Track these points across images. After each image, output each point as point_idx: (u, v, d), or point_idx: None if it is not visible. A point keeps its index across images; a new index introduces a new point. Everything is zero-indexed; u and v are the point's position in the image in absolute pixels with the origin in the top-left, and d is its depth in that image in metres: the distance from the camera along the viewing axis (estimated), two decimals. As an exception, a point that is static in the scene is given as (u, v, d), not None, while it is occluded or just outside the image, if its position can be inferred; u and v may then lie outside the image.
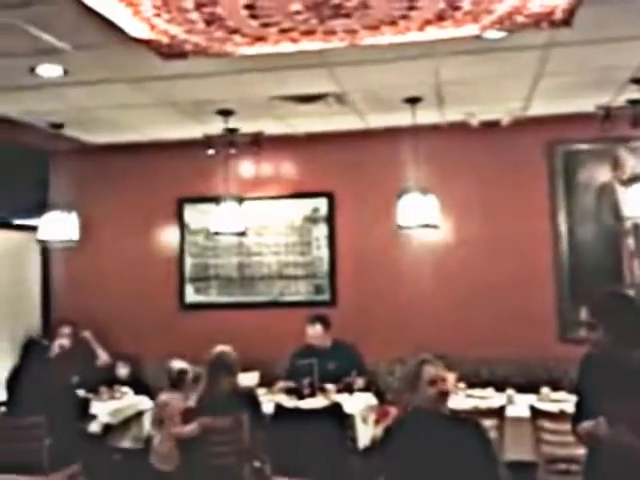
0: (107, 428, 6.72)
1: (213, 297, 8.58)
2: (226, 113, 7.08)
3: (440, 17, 4.50)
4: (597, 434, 3.59)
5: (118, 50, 5.11)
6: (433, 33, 4.79)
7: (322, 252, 8.37)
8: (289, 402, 6.45)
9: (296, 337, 7.25)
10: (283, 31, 4.66)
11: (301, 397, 6.58)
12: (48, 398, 6.14)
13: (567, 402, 5.55)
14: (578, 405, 4.01)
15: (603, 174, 7.72)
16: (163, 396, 6.17)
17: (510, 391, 6.45)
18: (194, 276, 8.63)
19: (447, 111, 7.29)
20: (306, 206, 8.42)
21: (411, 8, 4.34)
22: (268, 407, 6.13)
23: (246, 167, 8.48)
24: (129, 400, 7.20)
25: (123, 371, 7.71)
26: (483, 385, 6.81)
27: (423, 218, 6.93)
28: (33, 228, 8.12)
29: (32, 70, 5.56)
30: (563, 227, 7.78)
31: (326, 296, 8.31)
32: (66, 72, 5.63)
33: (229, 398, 5.81)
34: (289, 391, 6.77)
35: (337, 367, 6.94)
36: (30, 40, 4.84)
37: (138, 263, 8.71)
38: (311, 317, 7.32)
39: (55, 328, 8.05)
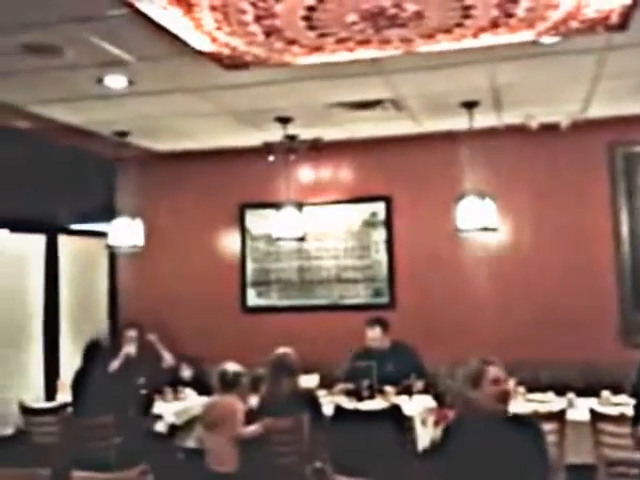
0: (172, 428, 6.85)
1: (274, 300, 8.70)
2: (285, 120, 7.17)
3: (494, 24, 4.51)
4: None
5: (181, 61, 5.25)
6: (488, 39, 4.81)
7: (380, 256, 8.42)
8: (348, 404, 6.49)
9: (355, 339, 7.29)
10: (340, 41, 4.73)
11: (360, 399, 6.63)
12: (115, 399, 6.33)
13: (627, 405, 5.47)
14: (637, 408, 4.02)
15: None
16: (216, 398, 6.18)
17: (570, 395, 6.39)
18: (256, 280, 8.76)
19: (505, 114, 7.26)
20: (364, 210, 8.49)
21: (465, 16, 4.37)
22: (328, 408, 6.20)
23: (305, 173, 8.58)
24: (193, 401, 7.31)
25: (187, 373, 7.84)
26: (543, 389, 6.73)
27: (482, 221, 6.93)
28: (101, 234, 8.35)
29: (99, 81, 5.72)
30: (625, 229, 7.69)
31: (385, 299, 8.36)
32: (131, 83, 5.79)
33: (290, 399, 5.91)
34: (348, 393, 6.82)
35: (396, 369, 6.96)
36: (97, 52, 4.99)
37: (201, 268, 8.87)
38: (370, 320, 7.36)
39: (122, 331, 8.22)
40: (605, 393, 6.35)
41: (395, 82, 6.06)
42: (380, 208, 8.44)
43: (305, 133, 7.67)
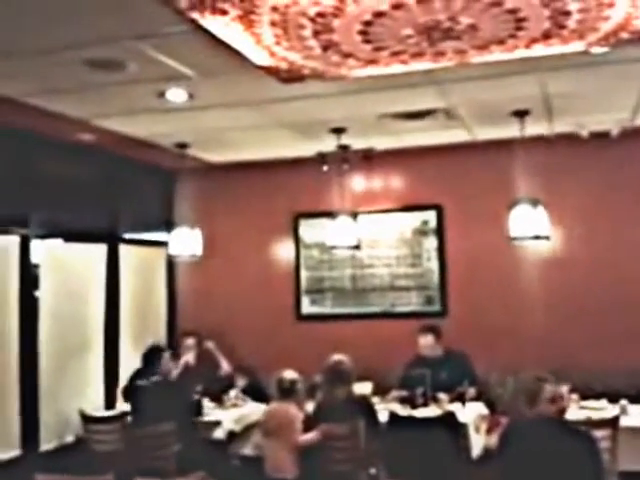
0: (230, 435, 6.94)
1: (328, 308, 8.79)
2: (339, 131, 7.26)
3: (546, 35, 4.55)
4: None
5: (239, 75, 5.35)
6: (540, 50, 4.84)
7: (432, 264, 8.46)
8: (403, 411, 6.53)
9: (408, 347, 7.33)
10: (394, 54, 4.80)
11: (414, 406, 6.66)
12: (174, 406, 6.43)
13: None
14: None
15: None
16: (274, 406, 6.28)
17: (623, 401, 6.36)
18: (310, 288, 8.86)
19: (555, 123, 7.26)
20: (416, 219, 8.54)
21: (518, 28, 4.41)
22: (382, 415, 6.24)
23: (358, 182, 8.65)
24: (250, 408, 7.38)
25: (242, 380, 7.90)
26: (597, 397, 6.70)
27: (534, 229, 6.91)
28: (160, 243, 8.52)
29: (161, 95, 5.86)
30: None
31: (437, 307, 8.40)
32: (191, 96, 5.92)
33: (345, 406, 5.97)
34: (402, 400, 6.85)
35: (449, 377, 6.98)
36: (159, 67, 5.12)
37: (257, 276, 8.98)
38: (422, 327, 7.40)
39: (180, 339, 8.38)
40: (656, 399, 6.31)
41: (447, 92, 6.10)
42: (431, 216, 8.48)
43: (358, 143, 7.76)
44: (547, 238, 7.08)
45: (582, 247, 7.90)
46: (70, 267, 7.71)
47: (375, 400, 6.71)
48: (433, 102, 6.42)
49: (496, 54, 4.92)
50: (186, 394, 6.98)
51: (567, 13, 4.19)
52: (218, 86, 5.71)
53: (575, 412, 6.24)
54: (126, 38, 4.58)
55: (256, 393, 7.73)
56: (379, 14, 4.11)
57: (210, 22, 4.19)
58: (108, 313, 8.13)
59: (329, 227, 7.83)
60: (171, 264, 9.18)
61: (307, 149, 8.01)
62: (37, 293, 7.12)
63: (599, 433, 5.47)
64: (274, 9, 4.00)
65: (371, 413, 6.05)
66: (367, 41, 4.56)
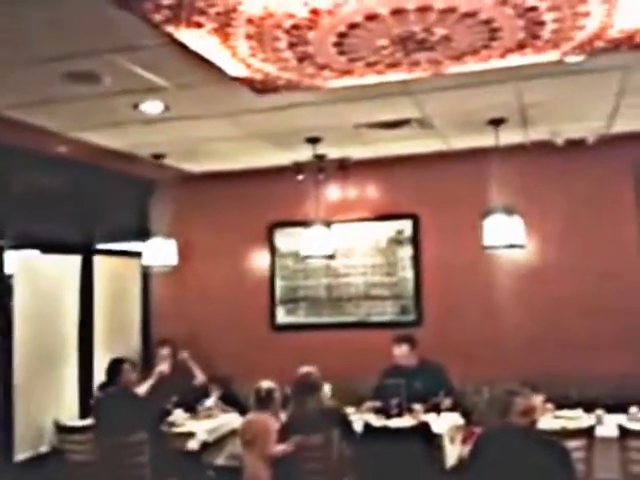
0: (204, 446, 6.88)
1: (302, 318, 8.76)
2: (314, 141, 7.26)
3: (521, 45, 4.58)
4: None
5: (215, 87, 5.36)
6: (514, 60, 4.88)
7: (407, 273, 8.45)
8: (377, 421, 6.51)
9: (383, 357, 7.31)
10: (369, 64, 4.82)
11: (389, 417, 6.64)
12: (147, 416, 6.42)
13: None
14: None
15: None
16: (250, 416, 6.29)
17: (599, 411, 6.37)
18: (284, 298, 8.83)
19: (531, 131, 7.29)
20: (391, 228, 8.53)
21: (493, 39, 4.44)
22: (357, 426, 6.23)
23: (333, 191, 8.64)
24: (223, 419, 7.35)
25: (217, 391, 7.84)
26: (572, 406, 6.69)
27: (508, 238, 6.93)
28: (134, 254, 8.49)
29: (137, 106, 5.86)
30: None
31: (412, 316, 8.38)
32: (167, 108, 5.92)
33: (318, 417, 5.96)
34: (377, 411, 6.83)
35: (424, 387, 6.95)
36: (135, 79, 5.12)
37: (232, 286, 8.96)
38: (397, 337, 7.39)
39: (155, 349, 8.36)
40: (633, 409, 6.31)
41: (422, 102, 6.12)
42: (407, 225, 8.47)
43: (333, 152, 7.77)
44: (522, 247, 7.10)
45: (559, 255, 7.92)
46: (44, 278, 7.68)
47: (350, 410, 6.69)
48: (408, 112, 6.43)
49: (471, 64, 4.95)
50: (150, 404, 6.95)
51: (541, 23, 4.22)
52: (194, 97, 5.71)
53: (550, 421, 6.26)
54: (103, 51, 4.58)
55: (231, 403, 7.70)
56: (353, 25, 4.12)
57: (185, 35, 4.19)
58: (82, 323, 8.11)
59: (303, 236, 7.83)
60: (146, 274, 9.15)
61: (283, 159, 8.02)
62: (11, 304, 7.09)
63: (574, 443, 5.48)
64: (249, 22, 4.01)
65: (345, 423, 6.05)
66: (342, 52, 4.58)
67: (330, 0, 3.73)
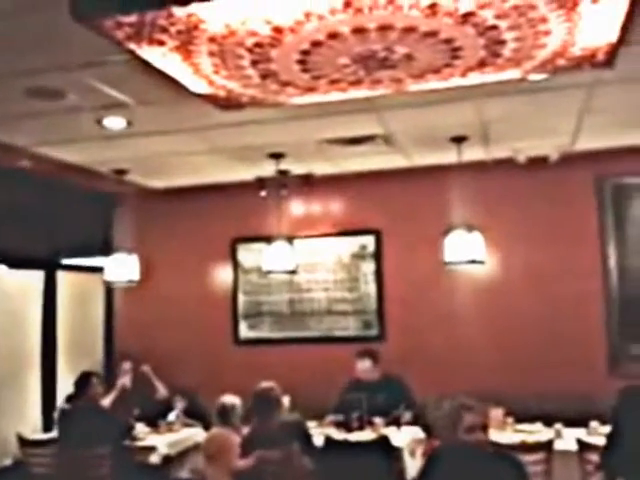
0: (166, 459, 6.89)
1: (265, 333, 8.76)
2: (278, 156, 7.29)
3: (482, 64, 4.60)
4: None
5: (178, 103, 5.39)
6: (476, 78, 4.91)
7: (370, 288, 8.50)
8: (338, 435, 6.54)
9: (345, 371, 7.33)
10: (332, 82, 4.82)
11: (350, 430, 6.67)
12: (109, 430, 6.40)
13: None
14: (611, 437, 4.10)
15: None
16: (215, 430, 6.32)
17: (558, 425, 6.42)
18: (247, 313, 8.83)
19: (493, 148, 7.35)
20: (354, 243, 8.57)
21: (454, 57, 4.47)
22: (318, 440, 6.25)
23: (296, 207, 8.67)
24: (186, 432, 7.37)
25: (180, 404, 7.83)
26: (532, 420, 6.74)
27: (469, 254, 7.01)
28: (97, 269, 8.46)
29: (99, 122, 5.88)
30: (612, 261, 7.73)
31: (374, 331, 8.42)
32: (129, 124, 5.94)
33: (279, 431, 5.97)
34: (338, 424, 6.86)
35: (385, 401, 6.99)
36: (98, 96, 5.15)
37: (195, 301, 8.94)
38: (360, 352, 7.40)
39: (117, 363, 8.33)
40: (593, 423, 6.36)
41: (386, 118, 6.18)
42: (370, 241, 8.52)
43: (297, 168, 7.80)
44: (482, 263, 7.18)
45: (519, 272, 7.98)
46: (7, 293, 7.69)
47: (311, 424, 6.68)
48: (372, 128, 6.49)
49: (432, 82, 4.97)
50: (119, 418, 6.93)
51: (502, 42, 4.24)
52: (157, 113, 5.74)
53: (510, 435, 6.31)
54: (65, 67, 4.60)
55: (195, 417, 7.69)
56: (316, 43, 4.15)
57: (147, 52, 4.20)
58: (46, 338, 8.13)
59: (265, 252, 7.85)
60: (109, 289, 9.12)
61: (246, 174, 8.03)
62: None
63: (533, 456, 5.56)
64: (211, 40, 4.02)
65: (305, 437, 6.05)
66: (305, 70, 4.59)
67: (292, 18, 3.76)
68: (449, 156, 7.17)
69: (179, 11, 3.61)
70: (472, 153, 7.25)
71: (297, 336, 8.66)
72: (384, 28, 3.95)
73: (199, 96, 5.06)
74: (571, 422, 6.57)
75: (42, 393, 8.05)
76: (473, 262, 7.09)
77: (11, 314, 7.74)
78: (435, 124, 6.46)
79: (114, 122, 5.89)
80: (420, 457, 6.30)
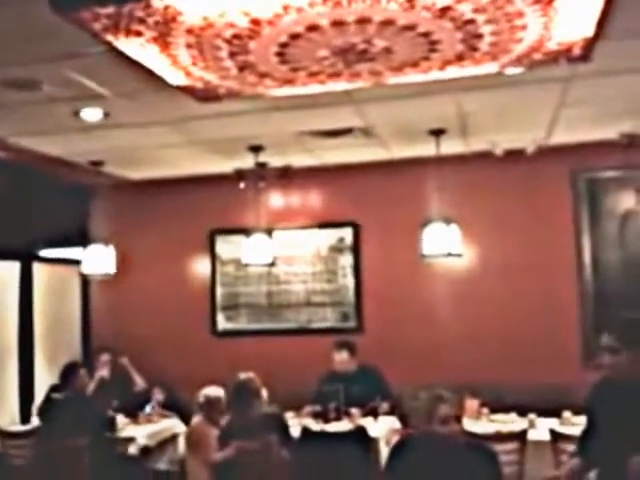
0: (144, 450, 6.89)
1: (243, 324, 8.78)
2: (256, 149, 7.30)
3: (460, 57, 4.65)
4: None
5: (156, 95, 5.38)
6: (453, 72, 4.95)
7: (348, 280, 8.53)
8: (316, 426, 6.58)
9: (323, 363, 7.35)
10: (311, 74, 4.86)
11: (327, 421, 6.71)
12: (88, 421, 6.40)
13: None
14: (587, 428, 4.15)
15: (627, 201, 7.71)
16: (196, 421, 6.33)
17: (532, 415, 6.47)
18: (225, 304, 8.84)
19: (471, 141, 7.40)
20: (332, 236, 8.60)
21: (432, 50, 4.51)
22: (295, 430, 6.28)
23: (275, 199, 8.68)
24: (164, 424, 7.38)
25: (158, 396, 7.83)
26: (506, 410, 6.79)
27: (446, 247, 7.06)
28: (74, 261, 8.45)
29: (76, 114, 5.86)
30: (587, 254, 7.79)
31: (352, 323, 8.45)
32: (106, 115, 5.92)
33: (257, 422, 5.99)
34: (316, 415, 6.89)
35: (362, 391, 7.01)
36: (75, 87, 5.13)
37: (173, 292, 8.94)
38: (337, 343, 7.43)
39: (94, 355, 8.31)
40: (566, 414, 6.41)
41: (365, 111, 6.19)
42: (347, 233, 8.54)
43: (275, 160, 7.80)
44: (459, 256, 7.23)
45: (495, 264, 8.01)
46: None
47: (289, 415, 6.70)
48: (351, 121, 6.50)
49: (411, 75, 5.01)
50: (100, 409, 6.94)
51: (479, 36, 4.29)
52: (134, 105, 5.71)
53: (485, 425, 6.38)
54: (42, 59, 4.57)
55: (174, 408, 7.70)
56: (295, 36, 4.17)
57: (125, 44, 4.20)
58: (22, 330, 8.10)
59: (244, 244, 7.85)
60: (86, 280, 9.10)
61: (225, 166, 8.01)
62: None
63: (507, 446, 5.61)
64: (189, 31, 4.04)
65: (283, 428, 6.08)
66: (284, 62, 4.61)
67: (270, 10, 3.78)
68: (428, 149, 7.21)
69: (157, 2, 3.62)
70: (450, 146, 7.28)
71: (275, 328, 8.67)
72: (363, 21, 3.99)
73: (177, 88, 5.07)
74: (545, 412, 6.62)
75: (19, 385, 8.02)
76: (450, 255, 7.14)
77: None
78: (413, 117, 6.48)
79: (91, 113, 5.86)
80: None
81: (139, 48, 4.28)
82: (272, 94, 5.35)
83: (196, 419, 6.35)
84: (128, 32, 4.01)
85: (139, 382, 8.13)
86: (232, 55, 4.44)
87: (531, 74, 5.20)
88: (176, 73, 4.76)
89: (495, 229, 8.04)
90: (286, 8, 3.75)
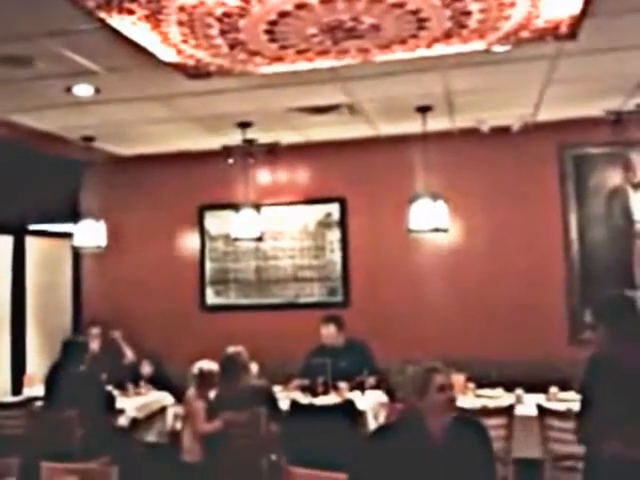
0: (134, 422, 6.96)
1: (232, 299, 8.84)
2: (245, 125, 7.33)
3: (447, 35, 4.68)
4: None
5: (146, 71, 5.41)
6: (441, 49, 4.99)
7: (335, 256, 8.58)
8: (304, 399, 6.64)
9: (311, 337, 7.40)
10: (300, 52, 4.90)
11: (315, 395, 6.77)
12: (82, 394, 6.46)
13: (574, 401, 5.41)
14: (583, 404, 4.22)
15: (614, 177, 7.75)
16: (189, 394, 6.38)
17: (519, 391, 6.49)
18: (214, 279, 8.90)
19: (457, 118, 7.43)
20: (319, 211, 8.65)
21: (420, 28, 4.53)
22: (284, 404, 6.36)
23: (263, 175, 8.71)
24: (153, 396, 7.45)
25: (147, 369, 7.90)
26: (493, 385, 6.84)
27: (433, 222, 7.09)
28: (65, 235, 8.50)
29: (68, 90, 5.88)
30: (574, 230, 7.85)
31: (339, 298, 8.52)
32: (98, 91, 5.95)
33: (246, 395, 6.07)
34: (304, 389, 6.95)
35: (349, 365, 7.06)
36: (67, 63, 5.16)
37: (162, 267, 9.00)
38: (325, 318, 7.47)
39: (85, 328, 8.38)
40: (553, 389, 6.45)
41: (351, 88, 6.23)
42: (335, 209, 8.59)
43: (263, 137, 7.82)
44: (445, 231, 7.26)
45: (482, 240, 8.08)
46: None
47: (277, 389, 6.77)
48: (338, 98, 6.53)
49: (399, 53, 5.05)
50: (91, 382, 6.98)
51: (468, 13, 4.32)
52: (125, 81, 5.75)
53: (471, 400, 6.41)
54: (35, 35, 4.61)
55: (162, 381, 7.76)
56: (284, 14, 4.20)
57: (117, 21, 4.23)
58: (14, 303, 8.18)
59: (233, 219, 7.90)
60: (77, 255, 9.16)
61: (213, 142, 8.05)
62: None
63: (494, 421, 5.60)
64: (181, 9, 4.07)
65: (271, 401, 6.16)
66: (273, 40, 4.65)
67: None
68: (414, 126, 7.25)
69: (150, -19, 3.65)
70: (437, 123, 7.32)
71: (263, 303, 8.74)
72: (352, -2, 4.01)
73: (167, 64, 5.10)
74: (532, 388, 6.64)
75: (11, 357, 8.12)
76: (437, 230, 7.17)
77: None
78: (400, 94, 6.51)
79: (82, 89, 5.89)
80: (384, 420, 6.42)
81: (131, 25, 4.31)
82: (261, 71, 5.38)
83: (190, 392, 6.41)
84: (121, 10, 4.04)
85: (129, 355, 8.21)
86: (223, 33, 4.47)
87: (518, 52, 5.22)
88: (167, 50, 4.79)
89: (482, 205, 8.09)
90: (276, -14, 3.79)
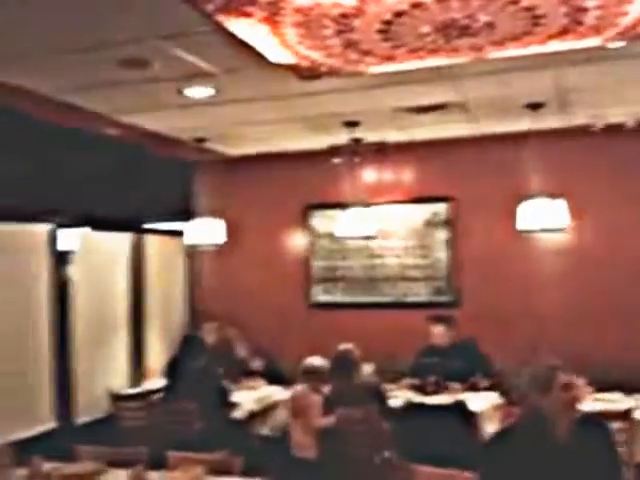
0: (250, 416, 7.11)
1: (339, 297, 8.91)
2: (352, 124, 7.36)
3: (563, 31, 4.59)
4: None
5: (260, 72, 5.46)
6: (555, 45, 4.89)
7: (441, 255, 8.55)
8: (415, 398, 6.66)
9: (419, 336, 7.40)
10: (411, 50, 4.87)
11: (426, 394, 6.78)
12: (200, 388, 6.63)
13: None
14: None
15: None
16: (299, 389, 6.46)
17: (638, 395, 6.39)
18: (321, 277, 8.99)
19: (569, 115, 7.31)
20: (426, 210, 8.63)
21: (535, 25, 4.47)
22: (396, 402, 6.40)
23: (369, 174, 8.74)
24: (265, 390, 7.57)
25: (258, 364, 8.05)
26: (612, 389, 6.68)
27: (545, 222, 6.99)
28: (179, 233, 8.72)
29: (182, 92, 6.02)
30: None
31: (446, 297, 8.49)
32: (212, 93, 6.06)
33: (357, 392, 6.11)
34: (414, 388, 6.97)
35: (461, 366, 7.04)
36: (183, 65, 5.27)
37: (272, 265, 9.15)
38: (434, 317, 7.48)
39: (202, 323, 8.51)
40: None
41: (461, 86, 6.18)
42: (442, 208, 8.56)
43: (369, 136, 7.85)
44: (558, 230, 7.17)
45: (598, 238, 7.93)
46: (98, 254, 8.05)
47: (390, 387, 6.81)
48: (447, 96, 6.50)
49: (511, 50, 4.98)
50: (208, 376, 7.11)
51: (585, 9, 4.23)
52: (239, 83, 5.84)
53: (590, 404, 6.23)
54: (153, 37, 4.71)
55: (273, 376, 7.86)
56: (399, 13, 4.19)
57: (235, 24, 4.29)
58: (133, 298, 8.53)
59: (341, 217, 7.97)
60: (190, 253, 9.44)
61: (320, 142, 8.13)
62: (68, 279, 7.48)
63: (614, 425, 5.46)
64: (297, 11, 4.09)
65: (382, 398, 6.19)
66: (386, 39, 4.63)
67: (377, -11, 3.81)
68: (523, 124, 7.19)
69: (269, -17, 3.68)
70: (547, 120, 7.24)
71: (370, 301, 8.77)
72: (467, -4, 3.98)
73: (281, 66, 5.15)
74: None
75: (131, 350, 8.47)
76: (552, 230, 7.10)
77: (102, 275, 8.11)
78: (511, 91, 6.42)
79: (198, 91, 6.02)
80: (499, 422, 6.33)
81: (248, 28, 4.35)
82: (371, 71, 5.38)
83: (299, 387, 6.48)
84: (239, 13, 4.09)
85: (242, 350, 8.30)
86: (337, 33, 4.48)
87: (633, 47, 5.08)
88: (282, 51, 4.83)
89: (594, 203, 7.93)
90: (392, -14, 3.78)
